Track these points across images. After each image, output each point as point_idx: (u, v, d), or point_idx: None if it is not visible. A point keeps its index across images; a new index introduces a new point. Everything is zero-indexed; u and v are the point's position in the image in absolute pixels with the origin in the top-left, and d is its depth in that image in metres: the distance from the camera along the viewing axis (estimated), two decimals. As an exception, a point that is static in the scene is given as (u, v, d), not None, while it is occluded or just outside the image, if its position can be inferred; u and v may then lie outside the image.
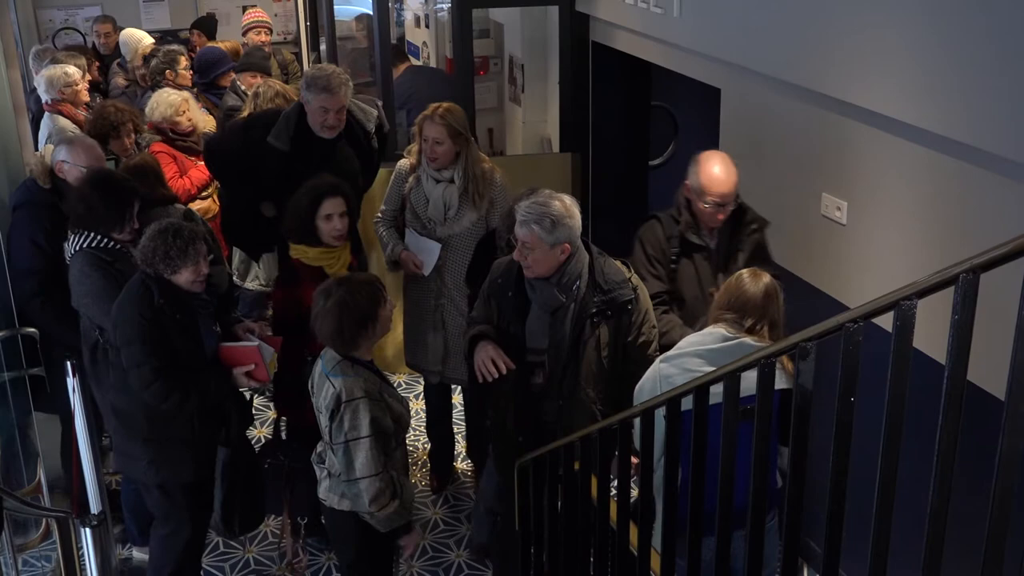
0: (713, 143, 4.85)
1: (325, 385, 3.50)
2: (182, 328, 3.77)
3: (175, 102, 5.74)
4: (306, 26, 9.40)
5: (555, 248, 3.58)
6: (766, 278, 3.40)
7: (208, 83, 6.85)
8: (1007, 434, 1.59)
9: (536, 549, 3.89)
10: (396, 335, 5.27)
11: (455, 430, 5.44)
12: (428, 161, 4.69)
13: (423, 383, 5.43)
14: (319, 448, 3.72)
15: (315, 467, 3.72)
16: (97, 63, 7.88)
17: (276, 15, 10.32)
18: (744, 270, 3.49)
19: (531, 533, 3.88)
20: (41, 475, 4.77)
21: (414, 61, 7.85)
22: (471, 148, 4.72)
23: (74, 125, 5.80)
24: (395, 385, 4.49)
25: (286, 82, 6.80)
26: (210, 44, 7.72)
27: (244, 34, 7.91)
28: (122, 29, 8.09)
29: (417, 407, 5.79)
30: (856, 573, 3.40)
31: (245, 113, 5.63)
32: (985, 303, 1.69)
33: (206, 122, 6.22)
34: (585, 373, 3.71)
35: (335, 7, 7.27)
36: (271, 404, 5.97)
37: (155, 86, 6.40)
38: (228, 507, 4.07)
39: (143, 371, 3.71)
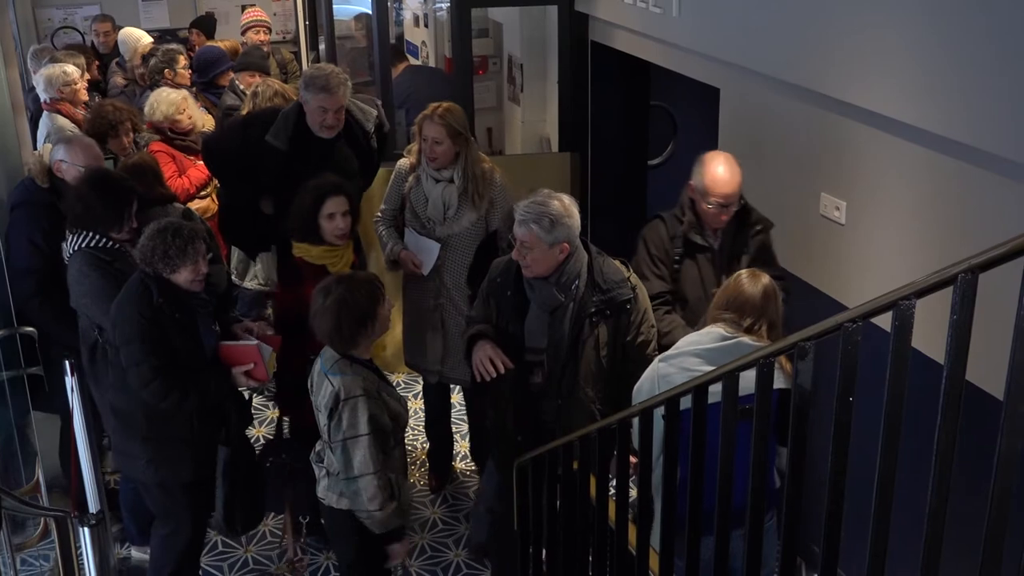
0: (712, 143, 4.85)
1: (324, 384, 3.50)
2: (181, 327, 3.77)
3: (176, 100, 5.75)
4: (305, 25, 9.41)
5: (554, 248, 3.57)
6: (765, 279, 3.40)
7: (207, 82, 6.85)
8: (1006, 434, 1.58)
9: (535, 549, 3.88)
10: (395, 334, 5.27)
11: (453, 430, 5.45)
12: (428, 161, 4.69)
13: (422, 383, 5.44)
14: (317, 447, 3.72)
15: (314, 466, 3.72)
16: (97, 62, 7.88)
17: (275, 14, 10.32)
18: (743, 270, 3.50)
19: (530, 533, 3.88)
20: (40, 474, 4.76)
21: (413, 60, 7.85)
22: (471, 148, 4.71)
23: (73, 124, 5.80)
24: (394, 385, 4.49)
25: (285, 81, 6.80)
26: (209, 43, 7.72)
27: (243, 33, 7.91)
28: (121, 28, 8.08)
29: (416, 406, 5.79)
30: (855, 573, 3.41)
31: (244, 112, 5.63)
32: (984, 303, 1.69)
33: (205, 121, 6.22)
34: (584, 372, 3.71)
35: (334, 6, 7.28)
36: (270, 404, 5.98)
37: (153, 85, 6.40)
38: (230, 506, 4.08)
39: (142, 370, 3.71)
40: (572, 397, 3.74)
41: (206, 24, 8.86)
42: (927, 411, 1.78)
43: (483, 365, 3.68)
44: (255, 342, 4.03)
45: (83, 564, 3.71)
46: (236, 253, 5.71)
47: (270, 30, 8.03)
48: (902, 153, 3.59)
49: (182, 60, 6.65)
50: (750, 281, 3.38)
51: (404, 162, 4.86)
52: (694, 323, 3.94)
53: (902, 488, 1.86)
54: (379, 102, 5.42)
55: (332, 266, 4.25)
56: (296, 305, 4.18)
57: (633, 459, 3.10)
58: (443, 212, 4.69)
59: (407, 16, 8.44)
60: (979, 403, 2.78)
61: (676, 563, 2.76)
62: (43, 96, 6.04)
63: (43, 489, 4.76)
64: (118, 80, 7.45)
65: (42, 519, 4.77)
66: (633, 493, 3.15)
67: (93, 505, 4.08)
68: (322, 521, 4.05)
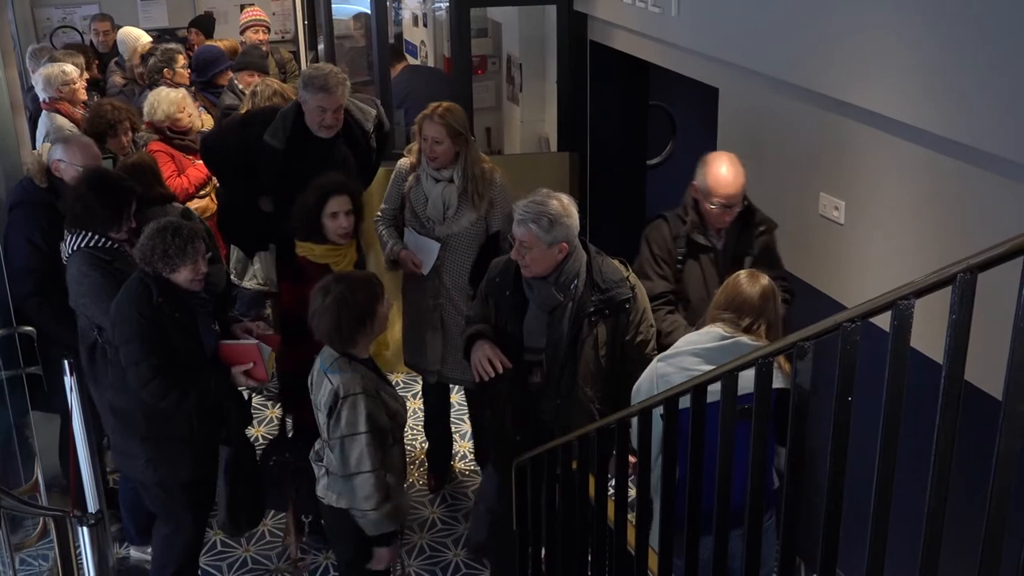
0: (711, 143, 4.85)
1: (323, 382, 3.51)
2: (181, 327, 3.77)
3: (176, 99, 5.75)
4: (304, 25, 9.40)
5: (553, 247, 3.57)
6: (763, 279, 3.40)
7: (206, 82, 6.84)
8: (1004, 434, 1.59)
9: (534, 548, 3.88)
10: (395, 334, 5.27)
11: (453, 430, 5.45)
12: (427, 160, 4.68)
13: (421, 382, 5.43)
14: (317, 446, 3.72)
15: (313, 465, 3.72)
16: (97, 61, 7.88)
17: (274, 14, 10.32)
18: (742, 271, 3.50)
19: (529, 532, 3.88)
20: (38, 474, 4.76)
21: (411, 60, 7.85)
22: (471, 148, 4.71)
23: (72, 124, 5.79)
24: (393, 384, 4.49)
25: (284, 81, 6.79)
26: (208, 43, 7.72)
27: (242, 32, 7.91)
28: (120, 27, 8.08)
29: (415, 406, 5.79)
30: (853, 573, 3.41)
31: (243, 112, 5.62)
32: (983, 303, 1.69)
33: (203, 121, 6.22)
34: (583, 372, 3.71)
35: (333, 6, 7.28)
36: (270, 403, 5.98)
37: (152, 84, 6.40)
38: (233, 505, 4.08)
39: (141, 369, 3.71)
40: (571, 397, 3.74)
41: (205, 23, 8.86)
42: (926, 411, 1.78)
43: (481, 365, 3.68)
44: (255, 341, 4.03)
45: (82, 564, 3.71)
46: (235, 253, 5.71)
47: (269, 29, 8.03)
48: (901, 153, 3.59)
49: (181, 59, 6.65)
50: (749, 281, 3.39)
51: (404, 162, 4.86)
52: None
53: (901, 488, 1.86)
54: (378, 101, 5.42)
55: (335, 265, 4.25)
56: (300, 304, 4.17)
57: (632, 459, 3.10)
58: (443, 212, 4.69)
59: (406, 16, 8.44)
60: (978, 403, 2.78)
61: (675, 563, 2.76)
62: (42, 95, 6.03)
63: (42, 489, 4.76)
64: (117, 79, 7.45)
65: (41, 519, 4.76)
66: (632, 493, 3.15)
67: (92, 505, 4.08)
68: (322, 521, 4.05)
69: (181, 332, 3.77)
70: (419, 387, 5.78)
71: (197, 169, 5.71)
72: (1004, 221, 3.07)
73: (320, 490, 3.67)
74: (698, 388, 2.47)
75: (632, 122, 6.34)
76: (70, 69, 6.05)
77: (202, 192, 5.80)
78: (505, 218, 4.50)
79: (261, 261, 5.43)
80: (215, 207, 5.72)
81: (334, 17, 7.34)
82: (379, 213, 4.94)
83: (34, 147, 5.76)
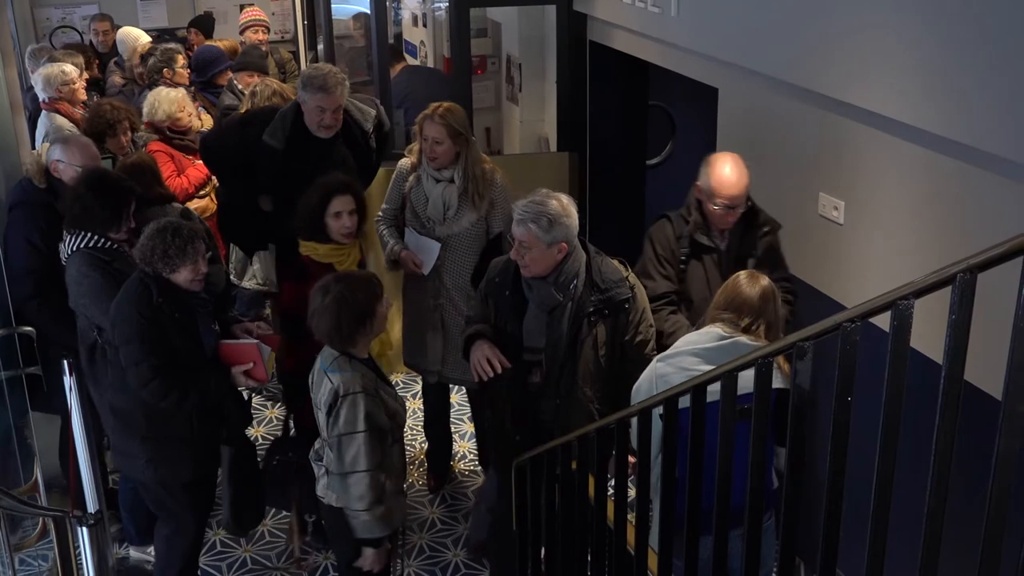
0: (710, 143, 4.85)
1: (323, 381, 3.51)
2: (181, 327, 3.77)
3: (177, 98, 5.76)
4: (303, 25, 9.40)
5: (552, 247, 3.57)
6: (763, 280, 3.41)
7: (205, 82, 6.84)
8: (1004, 434, 1.59)
9: (533, 549, 3.88)
10: (397, 334, 5.27)
11: (452, 430, 5.45)
12: (428, 160, 4.68)
13: (421, 382, 5.43)
14: (317, 445, 3.72)
15: (313, 464, 3.72)
16: (96, 61, 7.88)
17: (273, 14, 10.32)
18: (742, 271, 3.50)
19: (528, 532, 3.88)
20: (38, 474, 4.76)
21: (410, 60, 7.85)
22: (471, 148, 4.71)
23: (71, 124, 5.79)
24: (393, 384, 4.49)
25: (283, 81, 6.79)
26: (207, 43, 7.72)
27: (241, 32, 7.91)
28: (119, 27, 8.08)
29: (414, 406, 5.79)
30: (853, 573, 3.41)
31: (242, 112, 5.62)
32: (982, 303, 1.69)
33: (203, 121, 6.22)
34: (582, 372, 3.71)
35: (332, 6, 7.27)
36: (269, 403, 5.98)
37: (152, 84, 6.40)
38: (237, 505, 4.08)
39: (141, 369, 3.71)
40: (570, 397, 3.74)
41: (204, 23, 8.86)
42: (926, 411, 1.78)
43: (480, 365, 3.68)
44: (255, 341, 4.03)
45: (81, 564, 3.71)
46: (235, 253, 5.72)
47: (268, 29, 8.03)
48: (901, 153, 3.59)
49: (180, 59, 6.65)
50: (748, 282, 3.39)
51: (405, 162, 4.86)
52: (699, 324, 3.94)
53: (900, 488, 1.86)
54: (378, 101, 5.42)
55: (339, 264, 4.26)
56: (302, 303, 4.18)
57: (632, 459, 3.10)
58: (443, 212, 4.69)
59: (405, 16, 8.44)
60: (977, 403, 2.78)
61: (675, 563, 2.76)
62: (41, 95, 6.03)
63: (41, 489, 4.76)
64: (116, 79, 7.45)
65: (40, 519, 4.76)
66: (632, 493, 3.15)
67: (92, 505, 4.08)
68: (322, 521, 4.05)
69: (181, 332, 3.77)
70: (419, 387, 5.78)
71: (197, 169, 5.71)
72: (1004, 221, 3.07)
73: (320, 489, 3.66)
74: (698, 388, 2.47)
75: (632, 122, 6.34)
76: (70, 69, 6.05)
77: (202, 192, 5.80)
78: (506, 219, 4.50)
79: (260, 261, 5.43)
80: (215, 207, 5.72)
81: (334, 17, 7.34)
82: (380, 213, 4.94)
83: (33, 147, 5.76)
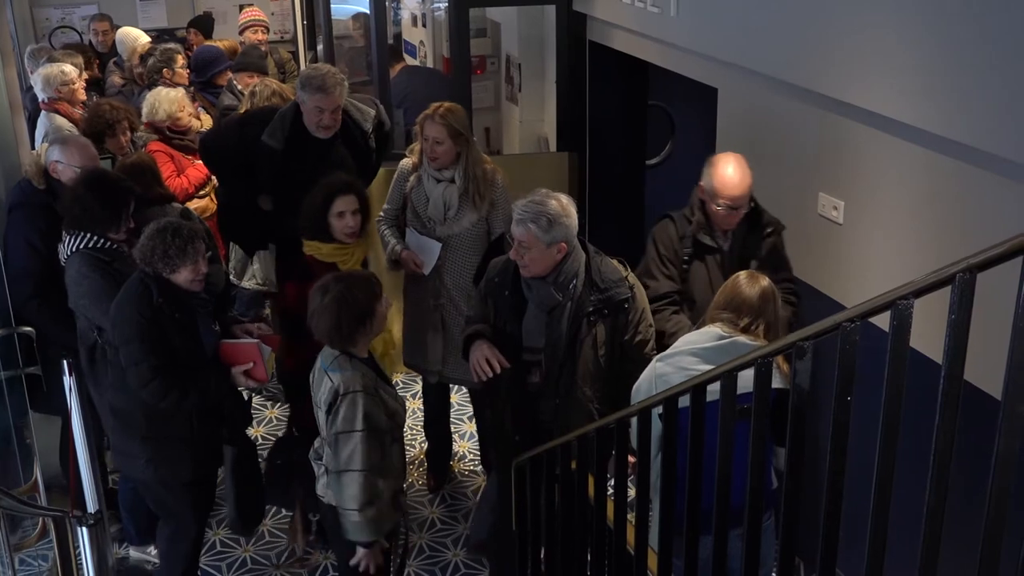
0: (710, 143, 4.85)
1: (323, 380, 3.51)
2: (181, 327, 3.77)
3: (176, 98, 5.76)
4: (303, 25, 9.40)
5: (551, 247, 3.57)
6: (763, 280, 3.41)
7: (205, 82, 6.84)
8: (1003, 434, 1.59)
9: (533, 548, 3.88)
10: (398, 334, 5.27)
11: (452, 430, 5.45)
12: (428, 161, 4.68)
13: (421, 382, 5.43)
14: (316, 444, 3.72)
15: (313, 464, 3.71)
16: (96, 61, 7.87)
17: (273, 14, 10.32)
18: (742, 272, 3.50)
19: (528, 532, 3.88)
20: (38, 474, 4.76)
21: (410, 60, 7.85)
22: (472, 149, 4.71)
23: (71, 124, 5.79)
24: (393, 384, 4.49)
25: (283, 81, 6.79)
26: (207, 43, 7.72)
27: (241, 32, 7.91)
28: (119, 27, 8.08)
29: (415, 406, 5.79)
30: (853, 573, 3.41)
31: (241, 112, 5.62)
32: (982, 303, 1.69)
33: (202, 121, 6.22)
34: (582, 372, 3.71)
35: (332, 6, 7.28)
36: (269, 403, 5.98)
37: (151, 85, 6.40)
38: (241, 504, 4.08)
39: (141, 369, 3.71)
40: (570, 397, 3.74)
41: (204, 23, 8.86)
42: (925, 411, 1.78)
43: (480, 365, 3.68)
44: (255, 341, 4.03)
45: (81, 564, 3.71)
46: (234, 253, 5.72)
47: (268, 30, 8.03)
48: (901, 153, 3.59)
49: (180, 60, 6.65)
50: (748, 282, 3.40)
51: (406, 162, 4.86)
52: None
53: (900, 487, 1.86)
54: (378, 102, 5.42)
55: (343, 264, 4.26)
56: (306, 303, 4.18)
57: (631, 459, 3.10)
58: (443, 212, 4.69)
59: (405, 16, 8.44)
60: (977, 403, 2.78)
61: (674, 563, 2.76)
62: (41, 95, 6.03)
63: (41, 489, 4.76)
64: (115, 79, 7.45)
65: (40, 519, 4.76)
66: (631, 493, 3.15)
67: (91, 505, 4.08)
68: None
69: (181, 332, 3.77)
70: (419, 387, 5.78)
71: (196, 169, 5.71)
72: (1004, 221, 3.07)
73: (320, 489, 3.66)
74: (697, 388, 2.47)
75: (631, 122, 6.34)
76: (69, 69, 6.05)
77: (202, 192, 5.80)
78: (507, 220, 4.49)
79: (260, 261, 5.44)
80: (215, 207, 5.72)
81: (333, 17, 7.35)
82: (381, 213, 4.94)
83: (33, 147, 5.76)
